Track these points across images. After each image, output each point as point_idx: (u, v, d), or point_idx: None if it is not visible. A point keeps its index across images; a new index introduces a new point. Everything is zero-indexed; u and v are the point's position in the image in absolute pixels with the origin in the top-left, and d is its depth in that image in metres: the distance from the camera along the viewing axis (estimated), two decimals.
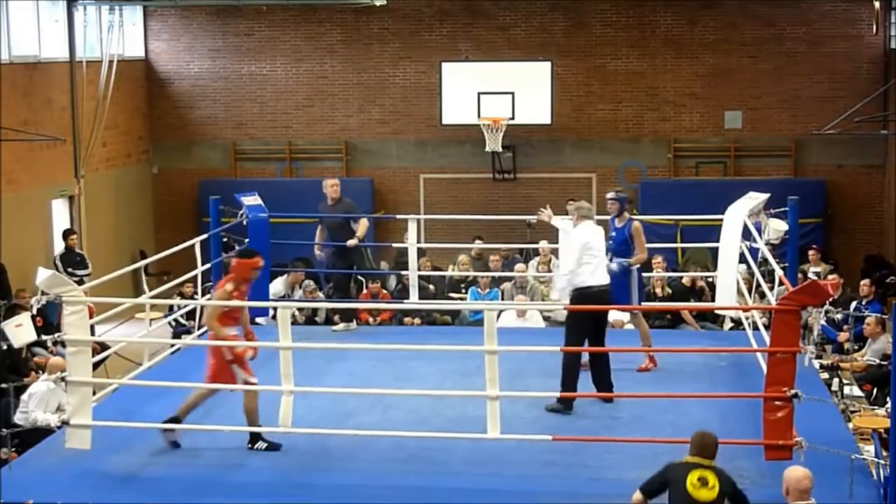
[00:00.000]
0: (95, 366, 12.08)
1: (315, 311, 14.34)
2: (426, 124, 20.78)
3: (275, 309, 9.73)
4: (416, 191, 21.03)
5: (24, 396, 10.51)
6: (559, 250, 10.55)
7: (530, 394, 9.06)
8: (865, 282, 14.76)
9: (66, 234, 17.13)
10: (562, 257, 10.95)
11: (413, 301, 13.02)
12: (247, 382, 8.87)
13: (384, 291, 14.94)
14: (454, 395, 9.66)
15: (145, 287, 11.31)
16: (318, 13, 20.87)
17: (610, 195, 11.08)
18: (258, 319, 12.47)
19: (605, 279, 10.01)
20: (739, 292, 11.99)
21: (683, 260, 18.55)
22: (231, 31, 21.17)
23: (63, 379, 8.80)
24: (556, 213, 11.25)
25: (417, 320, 14.49)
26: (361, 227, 12.63)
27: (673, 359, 11.01)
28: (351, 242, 12.50)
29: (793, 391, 7.99)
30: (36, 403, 10.50)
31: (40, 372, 11.93)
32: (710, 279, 12.96)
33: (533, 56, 20.12)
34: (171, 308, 13.71)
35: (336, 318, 13.26)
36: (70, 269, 16.06)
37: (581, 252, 9.88)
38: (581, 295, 9.88)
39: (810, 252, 16.45)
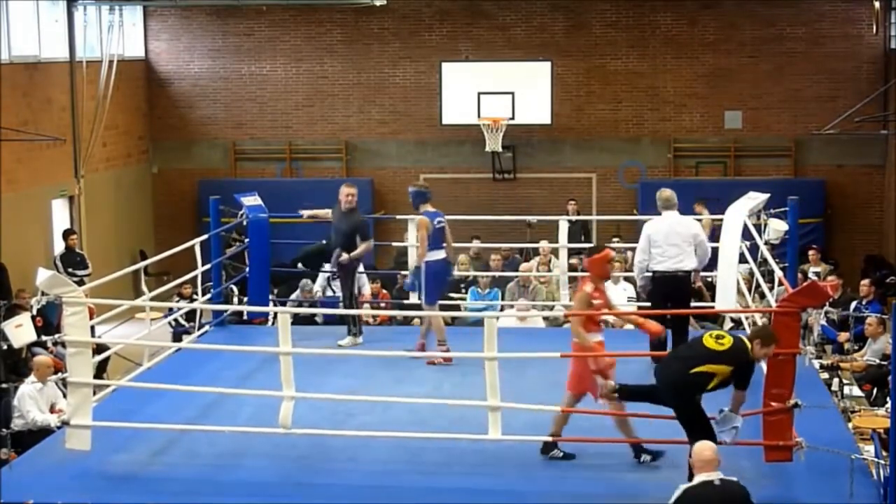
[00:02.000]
0: (100, 368, 12.15)
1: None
2: (426, 124, 20.79)
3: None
4: None
5: (14, 402, 10.48)
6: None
7: (532, 406, 8.95)
8: (865, 282, 14.75)
9: (66, 234, 17.13)
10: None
11: (412, 302, 12.99)
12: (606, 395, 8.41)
13: (384, 291, 14.93)
14: (454, 403, 9.58)
15: (145, 288, 11.29)
16: (318, 13, 20.88)
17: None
18: None
19: (679, 265, 10.37)
20: (739, 292, 11.98)
21: None
22: (231, 31, 21.18)
23: (63, 379, 8.79)
24: (555, 213, 11.28)
25: (417, 321, 14.43)
26: (361, 247, 11.72)
27: None
28: (343, 258, 11.67)
29: (793, 401, 7.99)
30: (28, 404, 10.47)
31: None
32: (710, 279, 12.95)
33: (533, 56, 20.13)
34: (170, 308, 13.70)
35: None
36: (70, 270, 16.05)
37: (644, 242, 10.46)
38: (652, 278, 10.54)
39: (810, 252, 16.44)
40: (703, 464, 6.85)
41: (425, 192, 11.40)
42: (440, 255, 11.22)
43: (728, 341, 7.76)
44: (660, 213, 10.76)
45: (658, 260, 10.44)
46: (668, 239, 10.37)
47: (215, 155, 21.49)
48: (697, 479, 6.88)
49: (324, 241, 12.22)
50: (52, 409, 10.62)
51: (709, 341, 7.78)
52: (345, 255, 11.72)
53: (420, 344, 11.19)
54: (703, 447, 6.96)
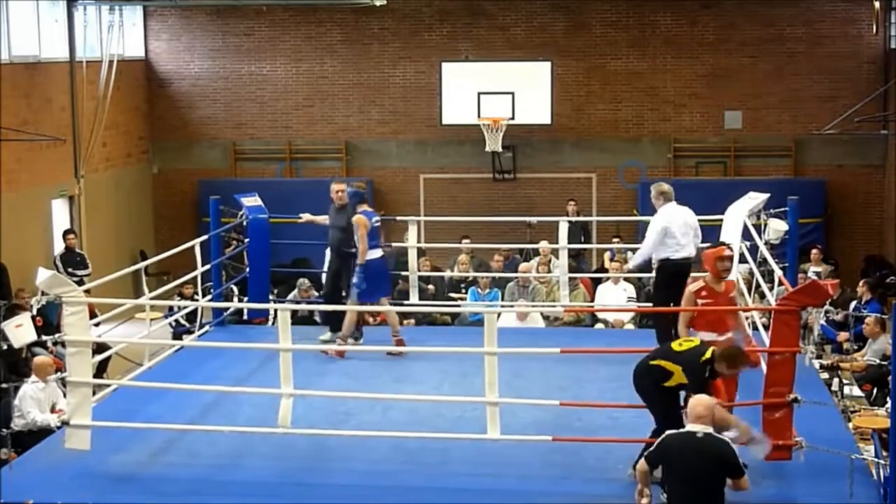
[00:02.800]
0: (100, 368, 12.13)
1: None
2: (426, 124, 20.79)
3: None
4: (416, 191, 21.03)
5: (15, 401, 10.48)
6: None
7: (530, 401, 9.00)
8: (862, 282, 14.76)
9: (66, 234, 17.13)
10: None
11: (412, 303, 13.00)
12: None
13: None
14: (454, 400, 9.61)
15: (145, 288, 11.30)
16: (318, 13, 20.88)
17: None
18: None
19: (691, 253, 10.61)
20: (739, 292, 11.98)
21: None
22: (231, 31, 21.18)
23: (62, 379, 8.79)
24: (555, 214, 11.29)
25: (412, 320, 14.36)
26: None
27: None
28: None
29: (792, 395, 7.99)
30: (29, 404, 10.47)
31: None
32: None
33: (533, 56, 20.13)
34: (171, 308, 13.70)
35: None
36: (70, 269, 16.06)
37: (660, 235, 10.63)
38: (663, 267, 10.72)
39: (813, 252, 16.42)
40: (694, 418, 7.07)
41: (362, 194, 11.88)
42: (377, 253, 11.64)
43: (687, 346, 7.99)
44: (657, 208, 10.96)
45: (675, 249, 10.66)
46: (683, 229, 10.70)
47: (215, 155, 21.49)
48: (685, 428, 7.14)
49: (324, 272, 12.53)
50: (52, 409, 10.63)
51: (674, 343, 8.11)
52: None
53: (397, 340, 11.50)
54: (697, 402, 7.14)
